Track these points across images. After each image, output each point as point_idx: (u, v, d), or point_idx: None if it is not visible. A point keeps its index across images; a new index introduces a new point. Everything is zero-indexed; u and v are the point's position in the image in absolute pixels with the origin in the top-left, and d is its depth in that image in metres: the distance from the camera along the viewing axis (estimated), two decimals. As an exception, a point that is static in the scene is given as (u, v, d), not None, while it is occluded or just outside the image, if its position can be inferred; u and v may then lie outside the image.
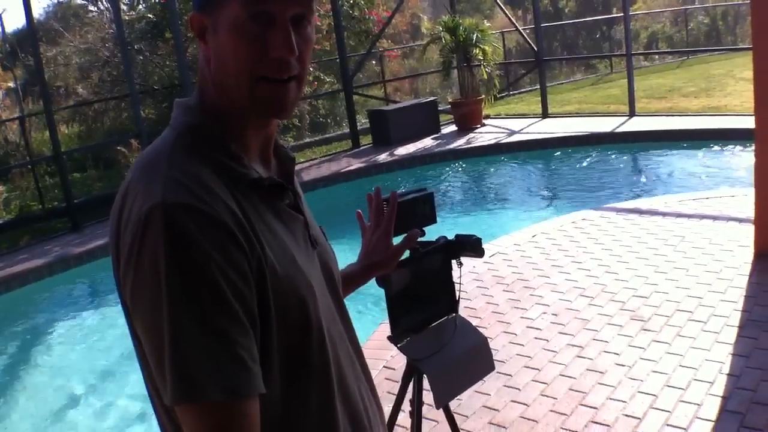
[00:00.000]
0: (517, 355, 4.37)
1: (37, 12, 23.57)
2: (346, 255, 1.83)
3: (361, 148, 12.79)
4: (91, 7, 19.55)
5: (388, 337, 2.19)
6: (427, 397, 2.45)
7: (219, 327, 1.04)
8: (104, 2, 18.27)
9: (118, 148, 12.74)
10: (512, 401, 3.85)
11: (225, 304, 1.05)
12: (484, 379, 3.93)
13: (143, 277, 1.06)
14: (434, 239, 2.35)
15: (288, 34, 1.14)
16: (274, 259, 1.15)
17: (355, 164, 11.33)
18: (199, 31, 1.21)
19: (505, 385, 4.01)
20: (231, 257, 1.07)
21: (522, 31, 14.99)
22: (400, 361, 4.29)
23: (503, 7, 16.00)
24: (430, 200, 2.20)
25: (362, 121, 14.07)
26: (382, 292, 2.19)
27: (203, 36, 1.21)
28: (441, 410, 2.44)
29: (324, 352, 1.24)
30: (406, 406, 2.45)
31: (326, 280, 1.33)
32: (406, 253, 2.26)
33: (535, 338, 4.58)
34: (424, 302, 2.28)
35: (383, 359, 4.45)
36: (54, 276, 7.94)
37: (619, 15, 22.61)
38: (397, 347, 2.20)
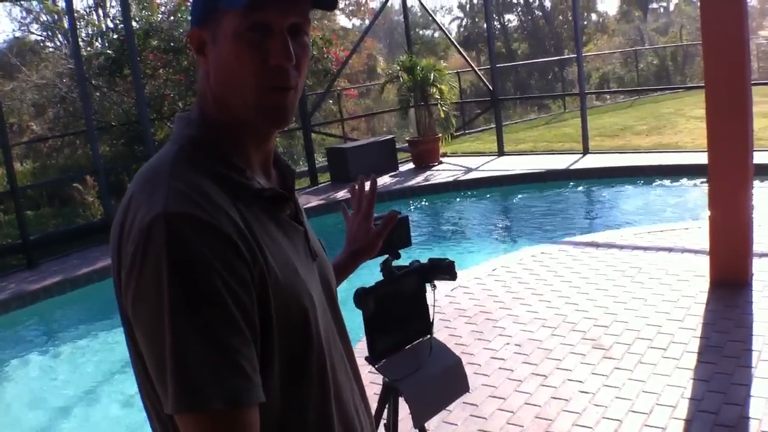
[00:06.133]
0: (483, 385, 4.40)
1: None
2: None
3: (320, 185, 12.83)
4: (49, 43, 19.44)
5: (366, 358, 2.22)
6: (402, 423, 2.47)
7: (220, 336, 1.05)
8: (61, 38, 18.19)
9: (74, 185, 12.58)
10: (479, 430, 3.87)
11: (227, 313, 1.06)
12: (450, 409, 3.99)
13: (145, 286, 1.07)
14: (408, 263, 2.40)
15: (286, 42, 1.18)
16: (276, 269, 1.16)
17: (314, 201, 11.35)
18: (198, 46, 1.24)
19: (471, 415, 4.04)
20: (233, 267, 1.08)
21: (477, 71, 15.26)
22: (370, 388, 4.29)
23: (460, 48, 16.28)
24: (405, 224, 2.25)
25: (320, 160, 14.13)
26: (356, 314, 2.23)
27: (202, 50, 1.23)
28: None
29: (322, 363, 1.26)
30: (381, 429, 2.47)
31: (325, 292, 1.35)
32: (381, 276, 2.32)
33: (500, 368, 4.62)
34: (400, 324, 2.32)
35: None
36: (9, 313, 7.77)
37: (571, 56, 23.17)
38: (375, 367, 2.22)
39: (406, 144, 14.12)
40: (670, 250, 6.57)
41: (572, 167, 11.60)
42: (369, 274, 2.31)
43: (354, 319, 2.28)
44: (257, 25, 1.17)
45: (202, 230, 1.08)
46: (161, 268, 1.05)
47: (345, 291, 2.27)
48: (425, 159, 13.24)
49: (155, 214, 1.08)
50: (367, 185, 1.82)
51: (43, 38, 20.11)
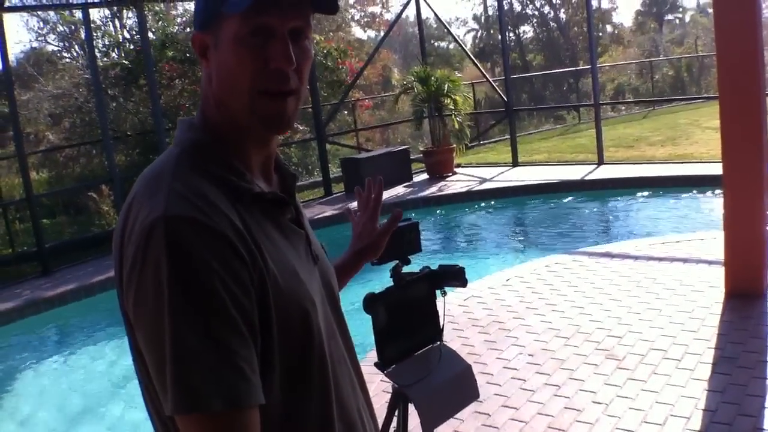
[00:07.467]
0: (495, 394, 4.38)
1: (11, 56, 23.52)
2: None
3: (334, 195, 12.86)
4: (65, 54, 19.62)
5: (375, 364, 2.21)
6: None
7: (220, 338, 1.05)
8: (77, 49, 18.35)
9: (89, 193, 12.67)
10: (491, 439, 3.86)
11: (226, 315, 1.07)
12: (462, 418, 3.97)
13: (145, 288, 1.08)
14: (418, 270, 2.39)
15: (287, 46, 1.18)
16: (276, 272, 1.16)
17: (328, 211, 11.37)
18: (201, 50, 1.25)
19: (483, 424, 4.01)
20: (232, 269, 1.09)
21: (492, 82, 15.26)
22: (382, 395, 4.28)
23: (474, 59, 16.29)
24: (416, 230, 2.25)
25: (334, 170, 14.17)
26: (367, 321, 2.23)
27: (205, 54, 1.24)
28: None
29: (324, 366, 1.25)
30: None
31: (327, 295, 1.35)
32: (391, 282, 2.32)
33: (512, 378, 4.60)
34: (410, 330, 2.31)
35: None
36: (24, 319, 7.84)
37: (586, 67, 23.12)
38: (384, 374, 2.22)
39: (421, 154, 14.12)
40: (685, 260, 6.53)
41: (587, 178, 11.56)
42: (379, 279, 2.31)
43: (365, 326, 2.29)
44: (258, 29, 1.17)
45: (202, 233, 1.09)
46: (161, 270, 1.06)
47: (356, 296, 2.27)
48: (439, 169, 13.25)
49: (155, 217, 1.09)
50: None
51: (59, 49, 20.29)
